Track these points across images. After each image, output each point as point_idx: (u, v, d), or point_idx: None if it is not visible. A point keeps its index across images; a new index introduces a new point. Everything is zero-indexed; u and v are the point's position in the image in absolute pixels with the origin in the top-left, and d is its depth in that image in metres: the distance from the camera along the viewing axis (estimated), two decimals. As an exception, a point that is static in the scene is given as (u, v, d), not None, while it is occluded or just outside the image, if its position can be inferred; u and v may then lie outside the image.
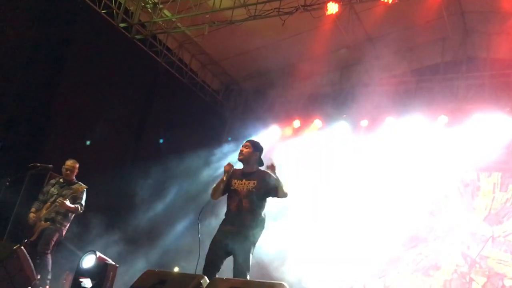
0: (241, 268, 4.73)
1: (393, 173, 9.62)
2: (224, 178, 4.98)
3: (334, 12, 8.01)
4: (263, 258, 8.31)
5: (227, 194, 5.09)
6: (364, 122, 10.16)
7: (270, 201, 5.11)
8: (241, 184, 4.95)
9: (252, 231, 4.82)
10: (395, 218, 9.43)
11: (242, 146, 5.11)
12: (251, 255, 4.81)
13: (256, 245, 4.90)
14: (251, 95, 11.64)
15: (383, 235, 9.43)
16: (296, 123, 10.90)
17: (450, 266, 8.87)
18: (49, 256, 6.06)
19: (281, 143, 10.81)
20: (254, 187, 4.88)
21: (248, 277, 4.74)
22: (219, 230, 4.98)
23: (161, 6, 9.14)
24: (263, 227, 4.94)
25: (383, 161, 9.75)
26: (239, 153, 5.09)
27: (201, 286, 3.95)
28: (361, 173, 9.91)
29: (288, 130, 11.02)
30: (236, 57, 10.53)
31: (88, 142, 6.61)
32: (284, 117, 10.99)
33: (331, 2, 7.91)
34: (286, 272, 8.76)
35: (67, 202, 6.12)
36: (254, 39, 9.52)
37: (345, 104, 10.13)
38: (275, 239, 9.05)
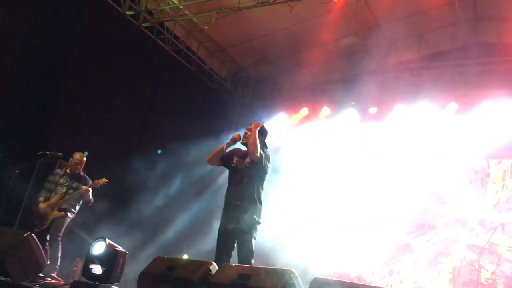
0: (243, 253, 4.78)
1: (401, 160, 9.59)
2: (228, 146, 5.02)
3: (342, -2, 7.93)
4: (268, 246, 8.34)
5: (228, 172, 5.15)
6: (373, 110, 10.10)
7: (272, 186, 5.14)
8: (242, 162, 5.02)
9: (251, 213, 4.84)
10: (404, 205, 9.43)
11: (247, 129, 5.13)
12: (253, 240, 4.85)
13: (260, 230, 4.93)
14: (259, 82, 11.58)
15: (391, 222, 9.44)
16: (304, 110, 10.86)
17: (459, 253, 8.85)
18: (60, 243, 6.21)
19: (289, 131, 10.80)
20: (250, 164, 4.95)
21: (252, 262, 4.77)
22: (222, 216, 5.02)
23: (168, -7, 9.09)
24: (260, 206, 4.97)
25: (392, 148, 9.71)
26: (243, 136, 5.10)
27: (210, 273, 3.99)
28: (369, 160, 9.89)
29: (296, 118, 10.99)
30: (244, 44, 10.46)
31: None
32: (292, 104, 10.96)
33: (340, -12, 7.83)
34: (292, 260, 8.79)
35: (90, 195, 6.37)
36: (262, 26, 9.45)
37: (354, 91, 10.04)
38: (280, 227, 9.08)
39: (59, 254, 6.14)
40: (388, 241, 9.49)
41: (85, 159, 6.65)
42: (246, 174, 4.97)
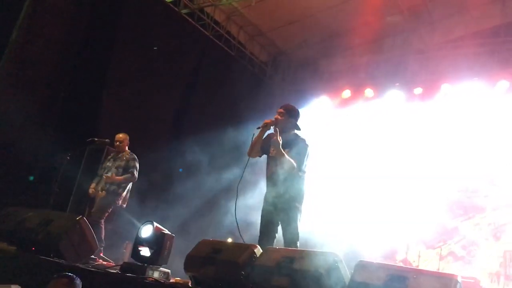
0: (289, 236, 4.78)
1: (450, 141, 9.31)
2: (261, 132, 4.92)
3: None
4: (308, 231, 8.30)
5: (266, 161, 5.12)
6: (418, 90, 9.80)
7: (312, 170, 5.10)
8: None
9: (293, 199, 4.81)
10: (452, 187, 9.20)
11: (276, 113, 5.02)
12: (298, 223, 4.83)
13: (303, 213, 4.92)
14: (300, 66, 11.47)
15: (439, 204, 9.24)
16: (346, 93, 10.68)
17: (509, 237, 8.56)
18: (102, 225, 6.40)
19: (331, 114, 10.66)
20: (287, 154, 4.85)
21: (298, 245, 4.78)
22: (265, 199, 5.03)
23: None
24: (302, 193, 4.92)
25: (439, 129, 9.44)
26: (274, 120, 5.03)
27: (254, 255, 4.03)
28: (415, 140, 9.64)
29: (338, 101, 10.82)
30: (284, 27, 10.34)
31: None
32: (334, 87, 10.79)
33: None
34: (335, 244, 8.73)
35: (113, 175, 6.48)
36: (303, 8, 9.32)
37: (398, 72, 9.79)
38: (321, 212, 9.01)
39: (101, 236, 6.33)
40: (435, 224, 9.31)
41: (127, 137, 6.83)
42: (282, 166, 4.94)
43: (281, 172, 4.85)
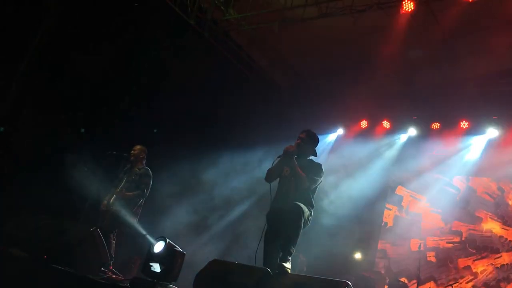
0: (286, 242, 4.66)
1: (464, 178, 9.26)
2: (279, 162, 4.98)
3: (409, 10, 7.78)
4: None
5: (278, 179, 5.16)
6: (436, 125, 9.79)
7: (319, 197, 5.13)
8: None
9: (299, 220, 4.76)
10: (465, 228, 9.10)
11: (298, 137, 5.13)
12: (297, 239, 4.74)
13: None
14: (318, 93, 11.51)
15: (452, 244, 9.13)
16: (363, 123, 10.70)
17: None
18: (112, 239, 6.33)
19: (347, 144, 10.68)
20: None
21: (292, 251, 4.65)
22: (268, 218, 4.98)
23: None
24: (311, 209, 4.93)
25: (453, 165, 9.45)
26: (295, 145, 5.09)
27: (265, 279, 4.02)
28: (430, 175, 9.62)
29: (355, 130, 10.84)
30: (305, 54, 10.44)
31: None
32: (351, 117, 10.82)
33: (406, 0, 7.69)
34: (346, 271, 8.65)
35: (123, 191, 6.48)
36: (324, 37, 9.42)
37: (416, 105, 9.82)
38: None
39: (112, 250, 6.25)
40: (448, 262, 9.18)
41: (143, 149, 6.76)
42: (294, 188, 4.98)
43: (290, 196, 4.90)
